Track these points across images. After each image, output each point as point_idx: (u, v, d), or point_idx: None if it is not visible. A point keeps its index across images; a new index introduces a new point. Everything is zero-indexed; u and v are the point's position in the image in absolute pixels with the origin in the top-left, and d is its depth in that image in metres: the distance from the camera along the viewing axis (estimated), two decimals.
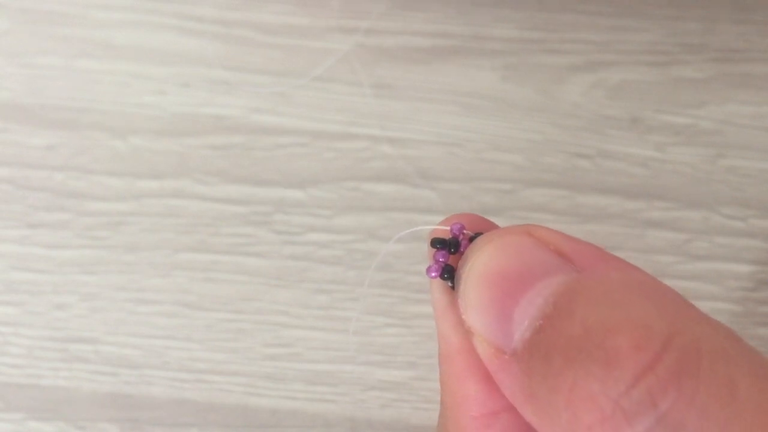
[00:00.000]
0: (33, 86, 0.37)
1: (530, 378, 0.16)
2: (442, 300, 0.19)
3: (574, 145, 0.36)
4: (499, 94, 0.37)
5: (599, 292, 0.16)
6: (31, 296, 0.37)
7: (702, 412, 0.14)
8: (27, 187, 0.37)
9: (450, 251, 0.19)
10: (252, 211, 0.37)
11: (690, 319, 0.15)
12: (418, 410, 0.37)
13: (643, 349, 0.14)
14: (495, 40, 0.37)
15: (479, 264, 0.17)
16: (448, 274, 0.18)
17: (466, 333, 0.18)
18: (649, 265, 0.36)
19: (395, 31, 0.37)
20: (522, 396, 0.16)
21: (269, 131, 0.37)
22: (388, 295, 0.36)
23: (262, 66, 0.37)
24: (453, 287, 0.18)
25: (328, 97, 0.37)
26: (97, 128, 0.37)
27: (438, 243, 0.19)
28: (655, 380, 0.14)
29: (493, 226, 0.19)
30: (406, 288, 0.36)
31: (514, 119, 0.36)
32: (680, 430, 0.14)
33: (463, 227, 0.19)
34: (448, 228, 0.19)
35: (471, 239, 0.19)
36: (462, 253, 0.18)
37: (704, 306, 0.36)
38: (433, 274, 0.19)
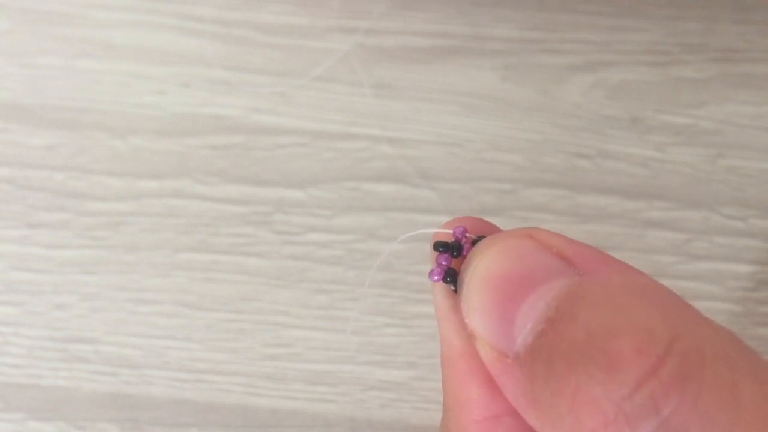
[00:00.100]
0: (33, 86, 0.37)
1: (533, 382, 0.16)
2: (444, 303, 0.19)
3: (574, 145, 0.36)
4: (499, 94, 0.37)
5: (602, 295, 0.16)
6: (31, 296, 0.37)
7: (705, 417, 0.14)
8: (27, 187, 0.37)
9: (452, 254, 0.19)
10: (252, 211, 0.37)
11: (692, 323, 0.15)
12: (418, 410, 0.37)
13: (645, 354, 0.14)
14: (495, 40, 0.37)
15: (482, 267, 0.17)
16: (451, 277, 0.18)
17: (469, 336, 0.18)
18: (649, 265, 0.36)
19: (395, 31, 0.37)
20: (525, 400, 0.16)
21: (269, 131, 0.37)
22: (388, 295, 0.37)
23: (262, 66, 0.37)
24: (455, 291, 0.18)
25: (328, 97, 0.37)
26: (97, 128, 0.37)
27: (440, 246, 0.19)
28: (657, 384, 0.14)
29: (495, 230, 0.19)
30: (406, 288, 0.37)
31: (514, 119, 0.37)
32: None
33: (465, 230, 0.19)
34: (451, 231, 0.19)
35: (473, 242, 0.19)
36: (464, 257, 0.18)
37: (704, 306, 0.36)
38: (436, 278, 0.19)
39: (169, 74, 0.37)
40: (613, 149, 0.36)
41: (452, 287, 0.19)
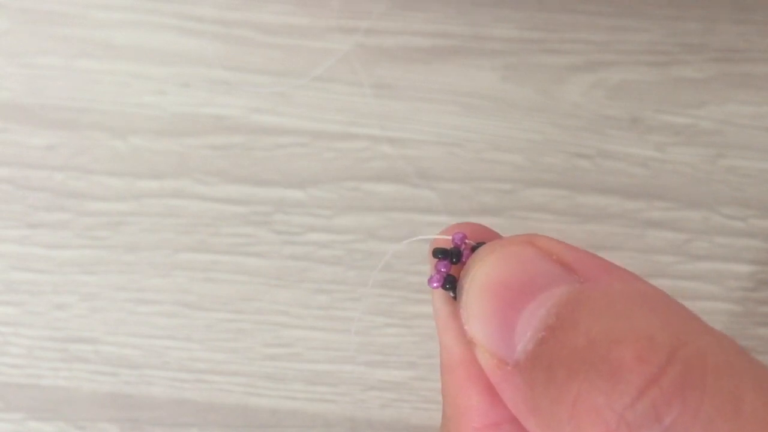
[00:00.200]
0: (33, 86, 0.37)
1: (533, 390, 0.16)
2: (444, 310, 0.19)
3: (574, 145, 0.36)
4: (499, 94, 0.37)
5: (603, 303, 0.16)
6: (31, 296, 0.37)
7: (706, 426, 0.14)
8: (27, 187, 0.37)
9: (452, 261, 0.19)
10: (252, 211, 0.37)
11: (694, 331, 0.15)
12: (418, 410, 0.37)
13: (647, 362, 0.14)
14: (495, 40, 0.37)
15: (481, 274, 0.17)
16: (450, 284, 0.18)
17: (469, 344, 0.18)
18: (649, 265, 0.36)
19: (395, 31, 0.37)
20: (525, 408, 0.16)
21: (269, 131, 0.37)
22: (388, 295, 0.37)
23: (262, 66, 0.37)
24: (455, 297, 0.18)
25: (328, 97, 0.37)
26: (97, 128, 0.37)
27: (440, 253, 0.19)
28: (659, 393, 0.14)
29: (495, 236, 0.19)
30: (406, 288, 0.36)
31: (514, 119, 0.36)
32: None
33: (465, 237, 0.19)
34: (450, 237, 0.19)
35: (473, 249, 0.18)
36: (464, 263, 0.18)
37: (704, 306, 0.36)
38: (435, 285, 0.18)
39: (169, 74, 0.37)
40: (613, 149, 0.36)
41: (452, 294, 0.18)
